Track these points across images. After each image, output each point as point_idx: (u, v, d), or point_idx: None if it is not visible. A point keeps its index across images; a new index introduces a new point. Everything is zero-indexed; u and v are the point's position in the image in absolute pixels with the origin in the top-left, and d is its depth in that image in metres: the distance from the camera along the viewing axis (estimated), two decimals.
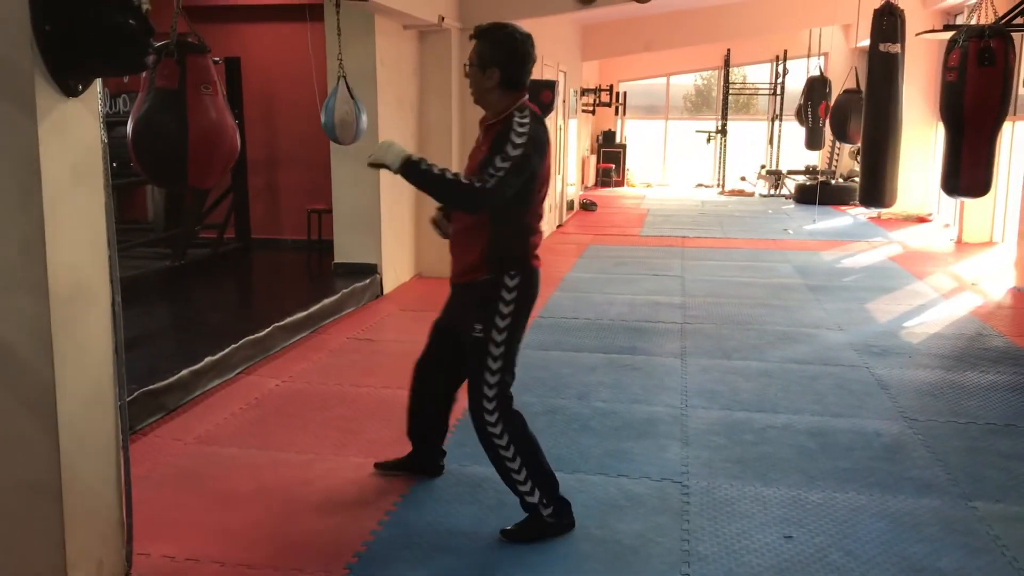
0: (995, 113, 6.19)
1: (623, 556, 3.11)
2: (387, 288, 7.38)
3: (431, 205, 7.90)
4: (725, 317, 6.65)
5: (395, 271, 7.58)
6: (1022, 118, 9.96)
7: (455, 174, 3.02)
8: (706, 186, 18.64)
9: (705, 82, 21.90)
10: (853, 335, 6.16)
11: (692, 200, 16.02)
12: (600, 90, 16.86)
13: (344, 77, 5.86)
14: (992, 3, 6.84)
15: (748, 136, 19.91)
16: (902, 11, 8.50)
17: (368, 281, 7.01)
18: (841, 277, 8.47)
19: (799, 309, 6.99)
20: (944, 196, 10.86)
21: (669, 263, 9.05)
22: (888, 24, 8.45)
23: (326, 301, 6.26)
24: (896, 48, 8.44)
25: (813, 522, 3.36)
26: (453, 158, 8.09)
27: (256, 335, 5.33)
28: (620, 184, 18.50)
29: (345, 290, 6.59)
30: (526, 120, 3.05)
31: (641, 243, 10.76)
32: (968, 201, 9.76)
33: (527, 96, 3.17)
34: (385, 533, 3.25)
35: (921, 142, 12.73)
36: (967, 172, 6.36)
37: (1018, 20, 6.62)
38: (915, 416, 4.51)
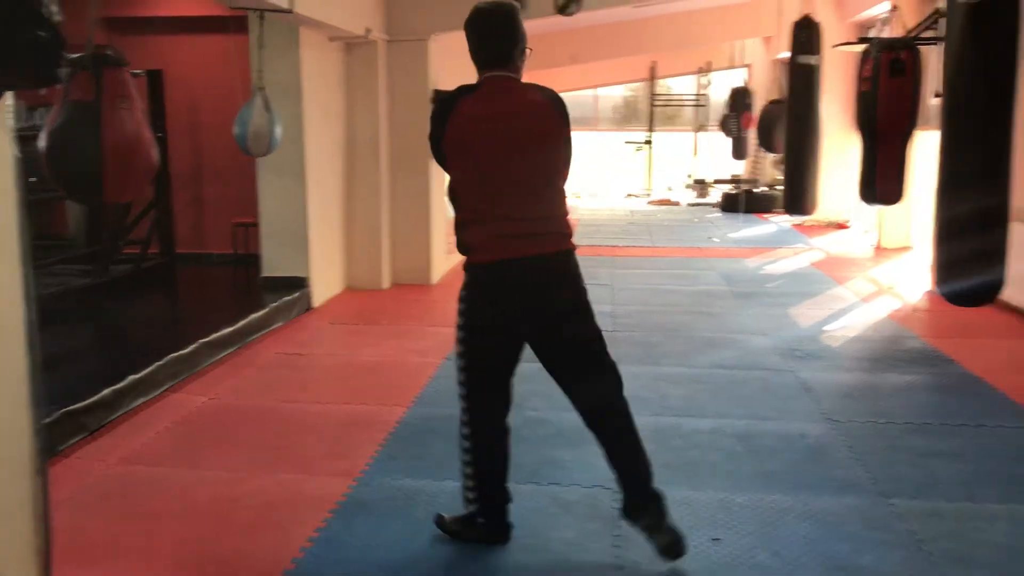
0: (907, 122, 6.42)
1: (556, 565, 3.14)
2: (317, 301, 7.31)
3: (361, 216, 7.90)
4: (654, 324, 6.75)
5: (325, 284, 7.51)
6: (933, 128, 10.32)
7: None
8: (635, 196, 18.89)
9: (633, 94, 22.23)
10: (777, 340, 6.30)
11: (622, 210, 16.21)
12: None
13: (262, 89, 5.80)
14: (902, 17, 7.11)
15: (675, 147, 20.28)
16: (819, 24, 8.78)
17: (297, 295, 6.94)
18: (765, 283, 8.67)
19: (725, 315, 7.13)
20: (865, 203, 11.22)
21: (598, 272, 9.13)
22: (806, 37, 8.72)
23: (254, 316, 6.18)
24: (814, 60, 8.71)
25: (740, 524, 3.42)
26: (382, 169, 8.07)
27: (182, 351, 5.22)
28: None
29: (273, 304, 6.51)
30: (441, 94, 3.06)
31: None
32: (885, 208, 10.08)
33: (488, 74, 3.02)
34: (316, 550, 3.21)
35: (841, 151, 13.07)
36: (882, 180, 6.57)
37: (927, 33, 6.87)
38: (837, 417, 4.64)
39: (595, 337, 3.10)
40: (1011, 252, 7.06)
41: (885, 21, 10.15)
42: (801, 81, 8.69)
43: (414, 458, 4.08)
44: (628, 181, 19.43)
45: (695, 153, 18.42)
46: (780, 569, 3.08)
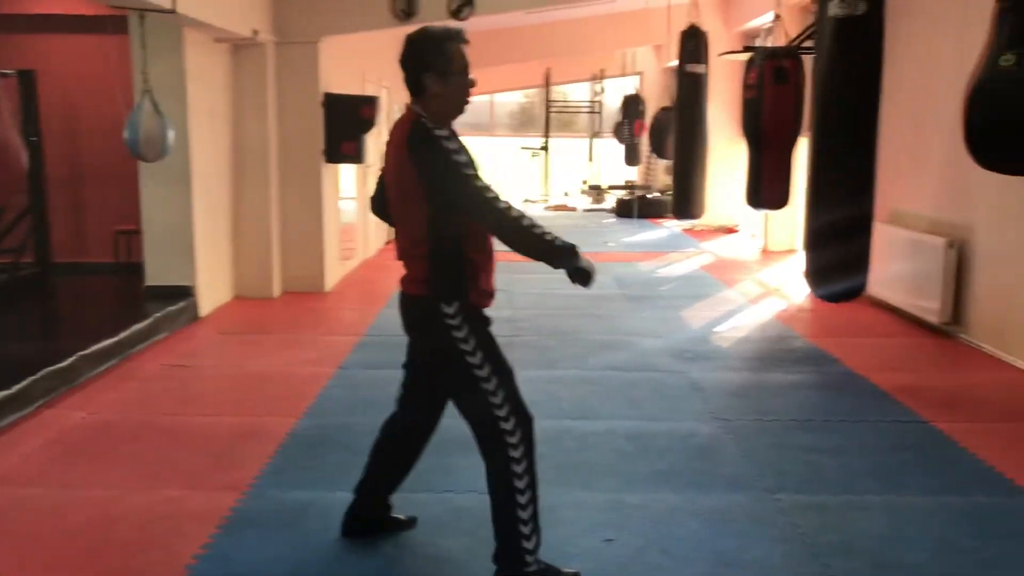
0: (791, 129, 6.67)
1: (450, 572, 3.11)
2: (204, 311, 7.08)
3: (250, 223, 7.69)
4: (550, 329, 6.79)
5: (212, 293, 7.29)
6: None
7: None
8: (533, 202, 19.02)
9: (529, 100, 22.42)
10: (669, 341, 6.43)
11: None
12: None
13: (150, 92, 5.59)
14: (784, 27, 7.36)
15: (572, 153, 20.54)
16: (706, 33, 9.03)
17: (183, 304, 6.71)
18: (658, 286, 8.84)
19: (619, 318, 7.24)
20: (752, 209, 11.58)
21: (496, 277, 9.14)
22: (693, 46, 8.97)
23: (137, 327, 5.94)
24: (701, 68, 8.96)
25: (632, 524, 3.46)
26: (271, 174, 7.89)
27: (58, 365, 4.98)
28: None
29: (158, 314, 6.28)
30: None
31: None
32: (771, 212, 10.43)
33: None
34: (202, 567, 3.10)
35: (729, 157, 13.47)
36: (768, 186, 6.81)
37: (809, 43, 7.13)
38: (726, 416, 4.75)
39: (472, 402, 2.94)
40: (882, 253, 7.41)
41: (769, 31, 10.48)
42: (689, 89, 8.93)
43: (305, 470, 3.99)
44: (525, 187, 19.56)
45: (590, 159, 18.67)
46: (671, 567, 3.13)
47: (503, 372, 2.92)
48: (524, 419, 2.93)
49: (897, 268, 7.16)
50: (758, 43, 12.32)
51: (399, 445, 3.28)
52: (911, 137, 7.20)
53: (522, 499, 2.89)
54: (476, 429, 2.95)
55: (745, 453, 4.23)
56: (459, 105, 2.92)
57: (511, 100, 24.80)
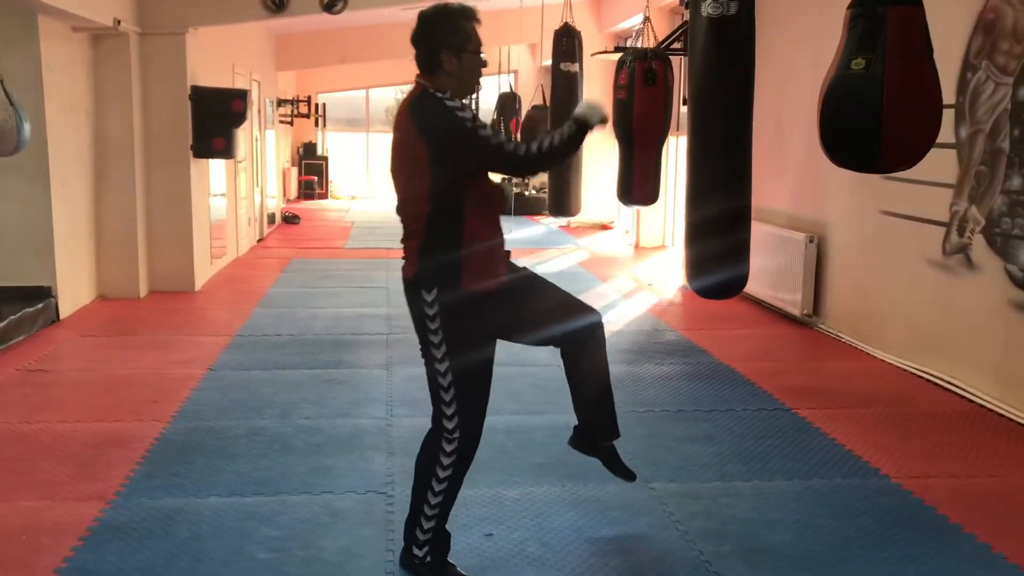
0: (660, 129, 6.83)
1: (330, 574, 3.05)
2: (64, 313, 6.73)
3: (113, 219, 7.37)
4: None
5: (73, 293, 6.94)
6: (683, 133, 11.06)
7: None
8: None
9: (404, 96, 22.28)
10: None
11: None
12: (298, 101, 16.59)
13: (1, 80, 5.27)
14: (652, 29, 7.55)
15: None
16: (579, 32, 9.15)
17: (40, 306, 6.35)
18: None
19: None
20: (623, 205, 11.84)
21: (374, 275, 9.06)
22: (567, 44, 9.07)
23: None
24: (575, 68, 9.08)
25: (512, 518, 3.49)
26: (136, 167, 7.58)
27: None
28: (324, 196, 18.30)
29: (12, 317, 5.92)
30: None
31: (346, 256, 10.70)
32: (644, 209, 10.69)
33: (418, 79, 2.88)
34: None
35: (603, 155, 13.73)
36: (638, 183, 6.94)
37: (676, 45, 7.34)
38: None
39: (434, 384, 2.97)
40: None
41: (639, 32, 10.71)
42: (562, 87, 9.03)
43: (174, 475, 3.84)
44: None
45: None
46: (550, 559, 3.17)
47: (466, 384, 2.97)
48: (468, 438, 3.02)
49: (761, 263, 7.45)
50: (629, 43, 12.62)
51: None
52: (772, 137, 7.52)
53: (432, 498, 2.95)
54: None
55: (621, 444, 4.28)
56: (471, 83, 2.93)
57: (386, 96, 24.58)
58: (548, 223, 14.11)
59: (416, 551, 2.98)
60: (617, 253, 11.13)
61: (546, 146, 2.83)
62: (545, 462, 4.07)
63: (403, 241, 2.94)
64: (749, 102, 5.46)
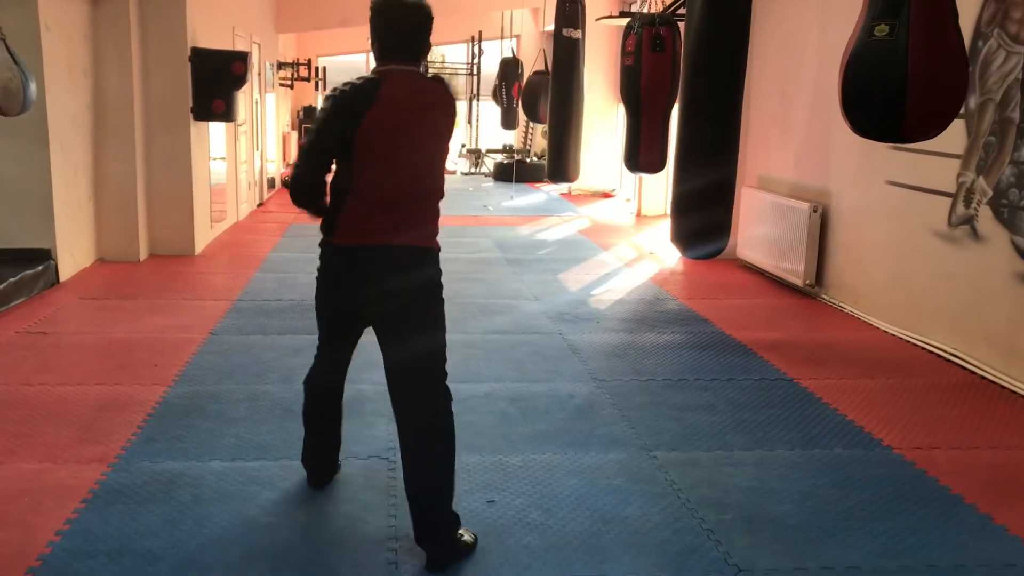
0: (667, 95, 6.77)
1: (332, 539, 3.05)
2: (64, 275, 6.70)
3: (113, 182, 7.35)
4: None
5: (73, 256, 6.90)
6: None
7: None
8: None
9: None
10: (548, 304, 6.49)
11: None
12: (298, 64, 16.42)
13: (4, 39, 5.19)
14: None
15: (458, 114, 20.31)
16: None
17: (40, 268, 6.32)
18: (537, 250, 8.90)
19: (499, 282, 7.25)
20: (626, 173, 11.78)
21: None
22: (570, 10, 8.97)
23: None
24: (577, 34, 8.98)
25: (514, 485, 3.49)
26: (136, 129, 7.51)
27: None
28: None
29: (12, 279, 5.89)
30: (339, 85, 2.91)
31: None
32: (646, 177, 10.64)
33: (399, 67, 2.91)
34: (66, 543, 2.94)
35: (605, 122, 13.65)
36: (645, 151, 6.91)
37: (682, 10, 7.24)
38: (603, 377, 4.84)
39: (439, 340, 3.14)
40: (750, 217, 7.68)
41: None
42: (564, 53, 8.94)
43: (176, 439, 3.83)
44: None
45: (468, 122, 18.56)
46: (552, 526, 3.17)
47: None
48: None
49: (764, 232, 7.43)
50: (634, 9, 12.47)
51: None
52: (777, 105, 7.46)
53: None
54: (428, 376, 3.04)
55: (622, 412, 4.32)
56: None
57: None
58: (549, 190, 14.04)
59: (460, 535, 2.96)
60: (619, 221, 11.08)
61: None
62: (547, 429, 4.07)
63: (411, 211, 2.96)
64: (742, 69, 5.50)
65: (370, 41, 2.97)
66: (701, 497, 3.42)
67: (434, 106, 2.96)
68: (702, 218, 5.88)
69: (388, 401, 4.30)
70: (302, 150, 2.98)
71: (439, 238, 3.07)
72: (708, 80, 5.66)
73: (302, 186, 2.95)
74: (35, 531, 3.01)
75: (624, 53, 6.76)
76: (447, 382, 3.06)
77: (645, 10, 9.04)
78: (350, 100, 2.87)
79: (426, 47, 2.98)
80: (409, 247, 2.95)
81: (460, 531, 2.98)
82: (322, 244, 3.05)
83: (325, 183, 2.97)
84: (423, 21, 2.94)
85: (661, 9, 7.24)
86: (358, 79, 2.95)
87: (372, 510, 3.26)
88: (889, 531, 3.18)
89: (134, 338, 5.36)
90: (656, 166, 6.90)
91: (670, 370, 5.01)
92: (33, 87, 5.35)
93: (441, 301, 3.03)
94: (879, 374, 5.00)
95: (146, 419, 4.05)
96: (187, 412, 4.16)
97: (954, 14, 3.47)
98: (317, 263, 3.09)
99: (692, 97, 5.82)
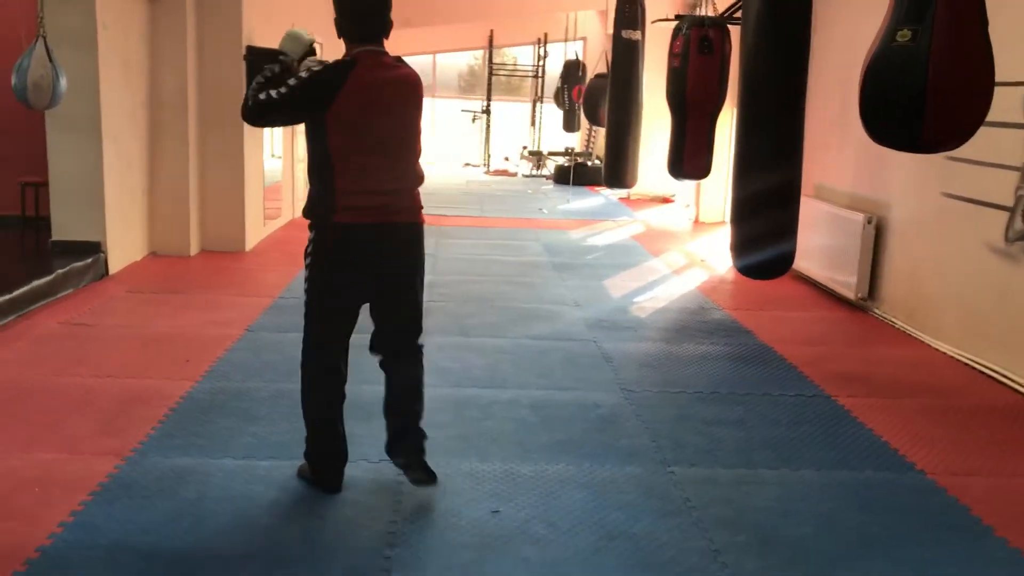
0: (715, 99, 6.62)
1: (329, 543, 3.02)
2: (114, 268, 6.84)
3: (167, 177, 7.54)
4: (470, 295, 6.70)
5: (123, 249, 7.04)
6: None
7: (258, 89, 3.11)
8: (473, 165, 18.84)
9: (478, 63, 22.11)
10: (588, 311, 6.39)
11: (458, 179, 16.12)
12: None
13: (44, 37, 5.32)
14: (714, 2, 7.25)
15: (517, 117, 20.35)
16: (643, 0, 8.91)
17: (90, 260, 6.46)
18: (585, 255, 8.79)
19: (542, 287, 7.17)
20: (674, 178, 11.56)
21: (425, 241, 9.01)
22: (630, 11, 8.85)
23: (36, 283, 5.70)
24: (637, 35, 8.85)
25: (521, 495, 3.41)
26: (190, 126, 7.64)
27: None
28: None
29: (61, 270, 6.03)
30: (318, 65, 3.12)
31: None
32: (705, 183, 10.42)
33: (366, 48, 3.15)
34: (67, 535, 2.97)
35: (666, 126, 13.40)
36: (690, 156, 6.77)
37: (738, 14, 7.06)
38: (632, 387, 4.72)
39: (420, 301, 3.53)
40: (805, 226, 7.45)
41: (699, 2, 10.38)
42: (624, 56, 8.81)
43: (193, 435, 3.85)
44: (467, 150, 19.35)
45: (532, 124, 18.52)
46: (554, 540, 3.08)
47: None
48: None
49: (818, 242, 7.20)
50: (710, 12, 12.25)
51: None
52: (836, 112, 7.21)
53: (305, 414, 3.38)
54: (415, 331, 3.48)
55: (646, 424, 4.21)
56: None
57: (459, 62, 24.49)
58: (608, 194, 13.89)
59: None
60: (674, 227, 10.89)
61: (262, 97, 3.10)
62: (565, 439, 3.98)
63: (406, 192, 3.27)
64: (803, 76, 5.24)
65: (337, 25, 3.18)
66: (715, 516, 3.29)
67: (405, 80, 3.21)
68: (763, 230, 5.66)
69: None
70: (269, 96, 3.05)
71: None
72: (767, 84, 5.46)
73: (253, 114, 3.12)
74: (39, 522, 3.04)
75: (671, 55, 6.63)
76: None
77: (708, 13, 8.81)
78: (325, 81, 3.06)
79: (389, 25, 3.21)
80: (408, 223, 3.27)
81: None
82: (321, 228, 3.19)
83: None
84: (386, 2, 3.19)
85: (715, 13, 7.06)
86: (332, 62, 3.15)
87: (374, 515, 3.22)
88: (910, 560, 3.02)
89: (172, 332, 5.43)
90: (700, 173, 6.75)
91: (703, 382, 4.87)
92: (64, 83, 5.48)
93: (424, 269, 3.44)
94: (923, 394, 4.78)
95: (168, 414, 4.08)
96: (209, 408, 4.18)
97: (982, 21, 3.29)
98: (310, 248, 3.22)
99: (750, 101, 5.61)
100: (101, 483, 3.35)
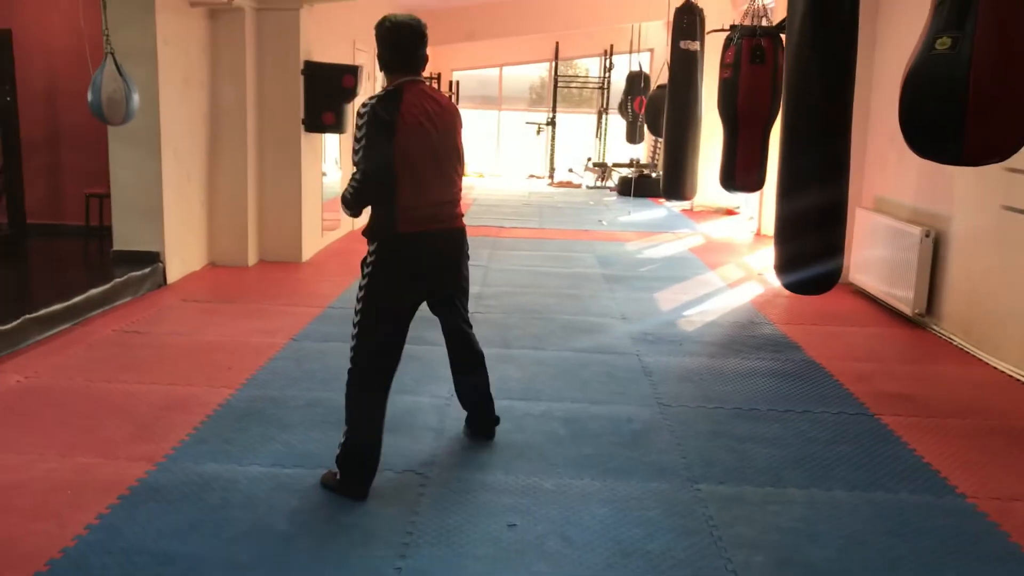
0: (767, 111, 6.49)
1: (341, 553, 3.04)
2: (172, 277, 7.04)
3: (226, 190, 7.82)
4: (517, 307, 6.70)
5: (182, 259, 7.24)
6: None
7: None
8: (537, 177, 18.87)
9: (549, 74, 22.16)
10: (634, 324, 6.32)
11: (520, 191, 16.17)
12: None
13: (112, 54, 5.52)
14: (768, 12, 7.13)
15: (582, 129, 20.32)
16: (701, 10, 8.82)
17: (148, 270, 6.66)
18: (638, 267, 8.71)
19: (590, 299, 7.13)
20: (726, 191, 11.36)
21: (478, 253, 9.04)
22: (688, 22, 8.77)
23: (93, 291, 5.90)
24: (695, 46, 8.75)
25: (541, 509, 3.39)
26: (248, 139, 7.82)
27: (1, 328, 4.95)
28: None
29: (119, 279, 6.24)
30: (367, 103, 3.36)
31: None
32: (764, 194, 10.23)
33: (412, 77, 3.47)
34: (90, 538, 3.05)
35: None
36: (742, 168, 6.65)
37: None
38: (668, 402, 4.65)
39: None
40: (863, 240, 7.25)
41: (746, 12, 10.23)
42: (682, 66, 8.72)
43: (225, 442, 3.93)
44: (532, 162, 19.38)
45: (597, 136, 18.47)
46: (567, 555, 3.05)
47: None
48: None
49: (876, 256, 7.01)
50: (765, 22, 12.06)
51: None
52: (895, 124, 6.98)
53: (349, 417, 3.53)
54: (468, 328, 4.04)
55: (678, 440, 4.14)
56: None
57: (530, 74, 24.61)
58: (670, 206, 13.76)
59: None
60: (735, 239, 10.72)
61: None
62: (593, 454, 3.94)
63: (450, 197, 3.63)
64: (849, 87, 5.09)
65: (379, 59, 3.55)
66: (736, 535, 3.22)
67: (445, 106, 3.56)
68: (806, 247, 5.54)
69: (440, 414, 4.33)
70: (362, 173, 3.39)
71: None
72: (812, 102, 5.33)
73: (358, 205, 3.47)
74: (66, 524, 3.14)
75: (722, 66, 6.54)
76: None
77: (764, 23, 8.68)
78: (382, 111, 3.34)
79: (425, 58, 3.55)
80: (459, 229, 3.69)
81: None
82: (384, 238, 3.45)
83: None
84: (423, 37, 3.50)
85: (768, 22, 6.93)
86: (381, 92, 3.42)
87: (391, 525, 3.23)
88: None
89: (219, 341, 5.56)
90: (753, 186, 6.63)
91: (743, 398, 4.77)
92: (136, 98, 5.66)
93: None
94: (974, 414, 4.60)
95: (204, 421, 4.17)
96: (244, 416, 4.26)
97: None
98: (371, 259, 3.45)
99: (795, 120, 5.48)
100: (131, 487, 3.44)
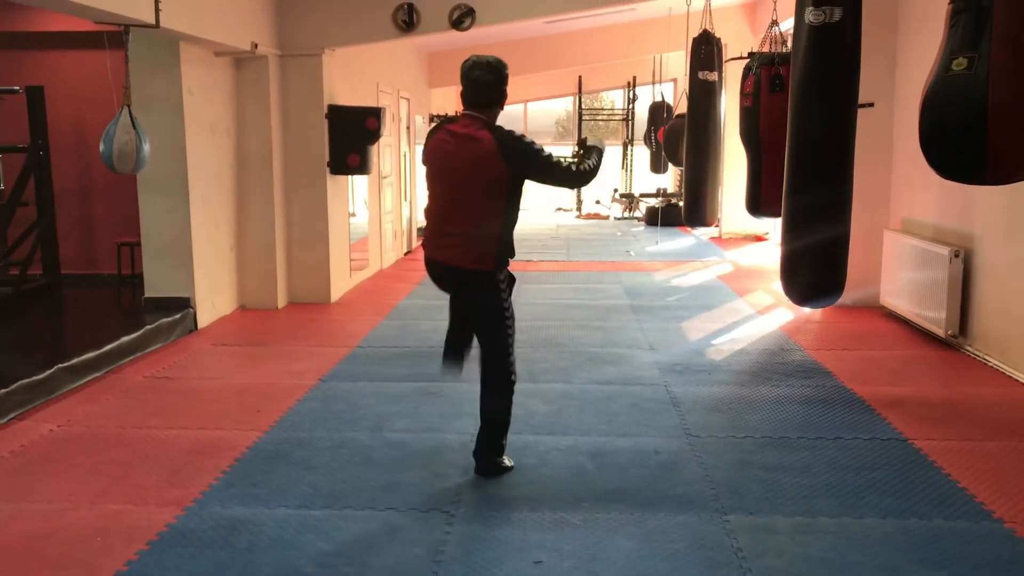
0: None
1: None
2: (203, 322, 7.13)
3: (254, 234, 7.99)
4: (543, 340, 6.69)
5: (212, 304, 7.34)
6: None
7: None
8: (565, 210, 18.92)
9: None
10: (662, 354, 6.28)
11: (548, 224, 16.21)
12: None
13: (128, 105, 5.65)
14: (787, 38, 7.14)
15: (608, 160, 20.36)
16: (719, 39, 8.87)
17: (179, 316, 6.76)
18: (666, 297, 8.67)
19: (617, 330, 7.10)
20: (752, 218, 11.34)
21: None
22: (706, 52, 8.81)
23: (125, 339, 5.99)
24: (713, 76, 8.79)
25: (568, 545, 3.36)
26: (275, 184, 7.93)
27: (34, 377, 5.03)
28: None
29: (149, 326, 6.33)
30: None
31: None
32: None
33: (468, 112, 3.85)
34: None
35: None
36: (766, 194, 6.62)
37: None
38: (697, 433, 4.61)
39: (499, 339, 4.12)
40: (892, 262, 7.19)
41: (763, 40, 10.24)
42: (701, 96, 8.76)
43: (252, 485, 3.95)
44: (558, 195, 19.43)
45: (623, 167, 18.52)
46: None
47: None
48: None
49: (906, 278, 6.93)
50: (784, 49, 12.06)
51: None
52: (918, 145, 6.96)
53: (504, 413, 4.11)
54: (492, 360, 4.03)
55: (707, 471, 4.10)
56: None
57: (556, 108, 24.80)
58: (699, 234, 13.72)
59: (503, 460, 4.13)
60: (765, 266, 10.64)
61: (582, 169, 4.08)
62: (620, 487, 3.91)
63: (468, 240, 3.82)
64: (852, 115, 5.11)
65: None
66: (765, 567, 3.17)
67: (470, 146, 3.77)
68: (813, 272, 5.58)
69: (466, 451, 4.33)
70: (558, 163, 3.93)
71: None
72: (813, 146, 5.37)
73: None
74: (96, 572, 3.16)
75: (743, 95, 6.54)
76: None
77: (783, 49, 8.68)
78: (426, 150, 4.00)
79: (494, 98, 3.85)
80: (462, 270, 3.95)
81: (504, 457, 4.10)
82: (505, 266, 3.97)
83: None
84: (464, 77, 3.85)
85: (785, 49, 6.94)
86: (433, 131, 4.04)
87: (418, 566, 3.22)
88: None
89: (249, 383, 5.60)
90: (779, 211, 6.57)
91: (772, 427, 4.71)
92: (147, 148, 5.77)
93: (504, 301, 4.06)
94: (1010, 436, 4.50)
95: (232, 464, 4.20)
96: (272, 458, 4.29)
97: None
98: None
99: (799, 141, 5.50)
100: (160, 532, 3.47)
